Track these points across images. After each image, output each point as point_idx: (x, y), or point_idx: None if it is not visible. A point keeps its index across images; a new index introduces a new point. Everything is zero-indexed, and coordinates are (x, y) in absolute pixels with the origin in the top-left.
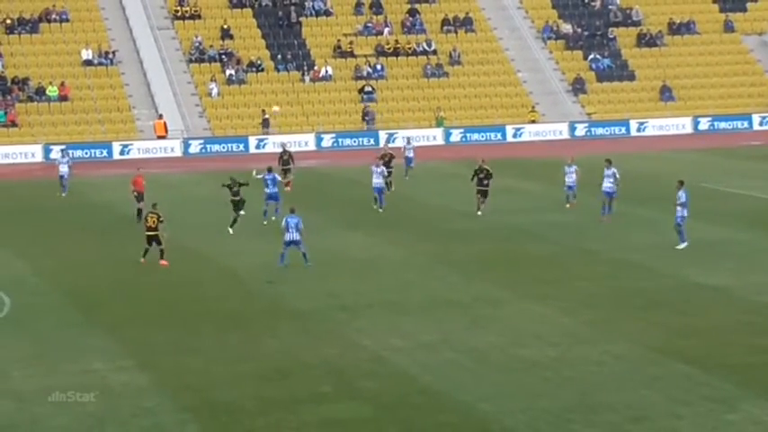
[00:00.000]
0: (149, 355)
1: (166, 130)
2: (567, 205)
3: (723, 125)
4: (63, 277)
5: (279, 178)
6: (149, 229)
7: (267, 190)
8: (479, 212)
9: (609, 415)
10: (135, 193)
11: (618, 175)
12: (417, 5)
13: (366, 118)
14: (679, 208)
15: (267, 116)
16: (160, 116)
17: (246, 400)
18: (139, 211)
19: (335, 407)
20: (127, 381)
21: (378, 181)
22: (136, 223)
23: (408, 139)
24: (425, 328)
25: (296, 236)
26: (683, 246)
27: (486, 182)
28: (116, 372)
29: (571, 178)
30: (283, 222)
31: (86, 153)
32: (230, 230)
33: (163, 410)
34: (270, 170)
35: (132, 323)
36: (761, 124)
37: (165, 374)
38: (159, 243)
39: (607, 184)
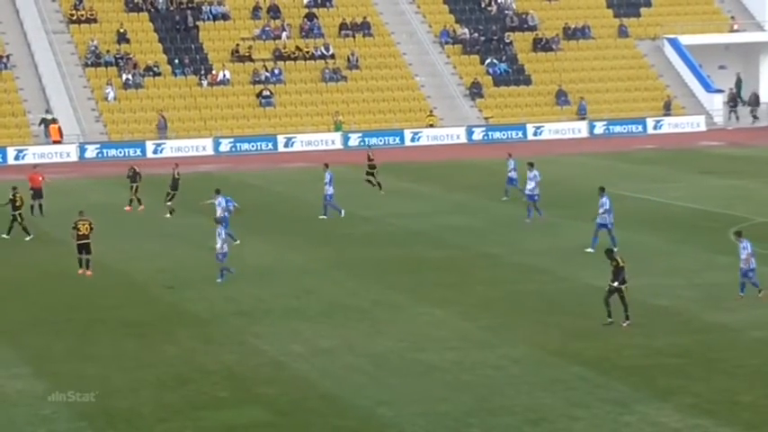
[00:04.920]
0: (46, 363)
1: (61, 135)
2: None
3: (618, 129)
4: None
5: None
6: (81, 237)
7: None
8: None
9: (507, 418)
10: (31, 191)
11: (539, 178)
12: (315, 10)
13: (159, 126)
14: (605, 215)
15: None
16: (55, 120)
17: (144, 407)
18: (32, 207)
19: (234, 412)
20: (23, 388)
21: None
22: (30, 215)
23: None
24: (324, 333)
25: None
26: (615, 248)
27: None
28: (11, 379)
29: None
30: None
31: None
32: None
33: (59, 418)
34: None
35: (28, 330)
36: (655, 128)
37: (61, 382)
38: (89, 252)
39: (530, 187)
